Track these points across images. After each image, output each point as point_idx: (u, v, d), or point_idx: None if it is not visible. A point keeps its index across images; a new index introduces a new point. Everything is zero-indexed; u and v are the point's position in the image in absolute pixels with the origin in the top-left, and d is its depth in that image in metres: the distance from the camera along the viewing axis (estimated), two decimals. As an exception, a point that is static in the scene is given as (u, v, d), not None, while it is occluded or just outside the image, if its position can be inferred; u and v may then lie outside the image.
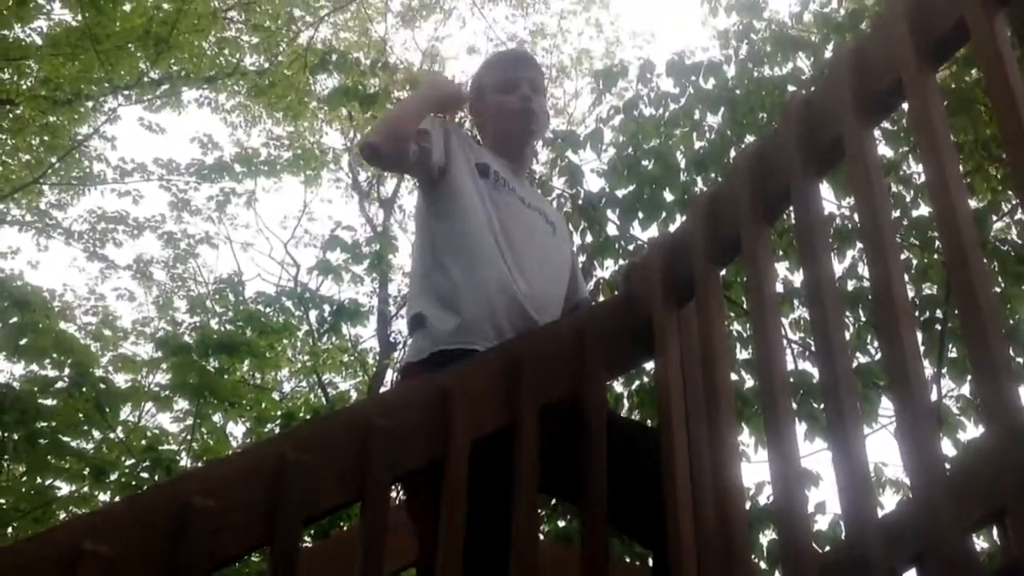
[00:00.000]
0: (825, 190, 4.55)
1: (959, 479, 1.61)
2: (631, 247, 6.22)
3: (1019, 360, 4.94)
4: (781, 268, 5.93)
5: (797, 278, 6.10)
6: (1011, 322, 5.28)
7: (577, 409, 2.23)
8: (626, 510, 2.23)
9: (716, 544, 2.02)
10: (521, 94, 2.78)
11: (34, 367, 7.45)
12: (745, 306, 5.87)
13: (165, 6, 12.39)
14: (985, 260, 1.70)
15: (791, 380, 4.21)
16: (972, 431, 5.49)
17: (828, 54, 6.63)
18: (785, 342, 5.26)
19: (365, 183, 16.51)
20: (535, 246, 2.64)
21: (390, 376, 12.94)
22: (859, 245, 5.97)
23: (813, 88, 2.38)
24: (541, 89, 2.87)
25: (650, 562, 2.48)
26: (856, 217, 5.98)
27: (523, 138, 2.84)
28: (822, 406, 5.39)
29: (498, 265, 2.51)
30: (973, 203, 5.74)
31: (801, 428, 5.05)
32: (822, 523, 5.28)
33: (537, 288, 2.53)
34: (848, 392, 1.80)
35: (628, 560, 5.09)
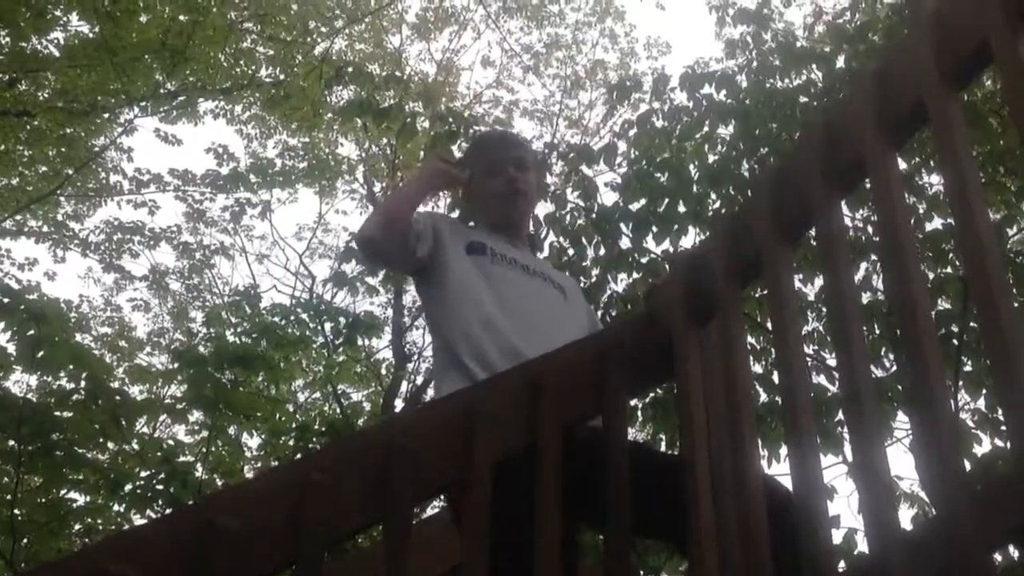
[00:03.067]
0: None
1: (982, 496, 1.62)
2: (644, 260, 6.23)
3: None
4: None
5: (809, 290, 6.10)
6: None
7: (598, 433, 2.23)
8: (652, 517, 2.23)
9: (738, 560, 2.02)
10: (508, 177, 2.84)
11: (48, 378, 7.49)
12: (758, 318, 5.87)
13: (181, 18, 12.46)
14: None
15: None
16: (987, 445, 5.49)
17: (840, 64, 6.65)
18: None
19: (380, 194, 16.55)
20: (541, 313, 2.67)
21: (404, 387, 12.96)
22: (873, 257, 5.97)
23: (834, 109, 2.38)
24: (528, 164, 2.91)
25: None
26: (870, 229, 6.02)
27: (516, 219, 2.91)
28: (834, 420, 5.42)
29: (500, 341, 2.54)
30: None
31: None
32: (835, 537, 5.28)
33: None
34: (871, 407, 1.80)
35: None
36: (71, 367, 6.80)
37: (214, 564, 1.70)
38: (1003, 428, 5.44)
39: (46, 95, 12.84)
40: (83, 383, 6.78)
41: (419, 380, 13.40)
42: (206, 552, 1.70)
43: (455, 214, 5.16)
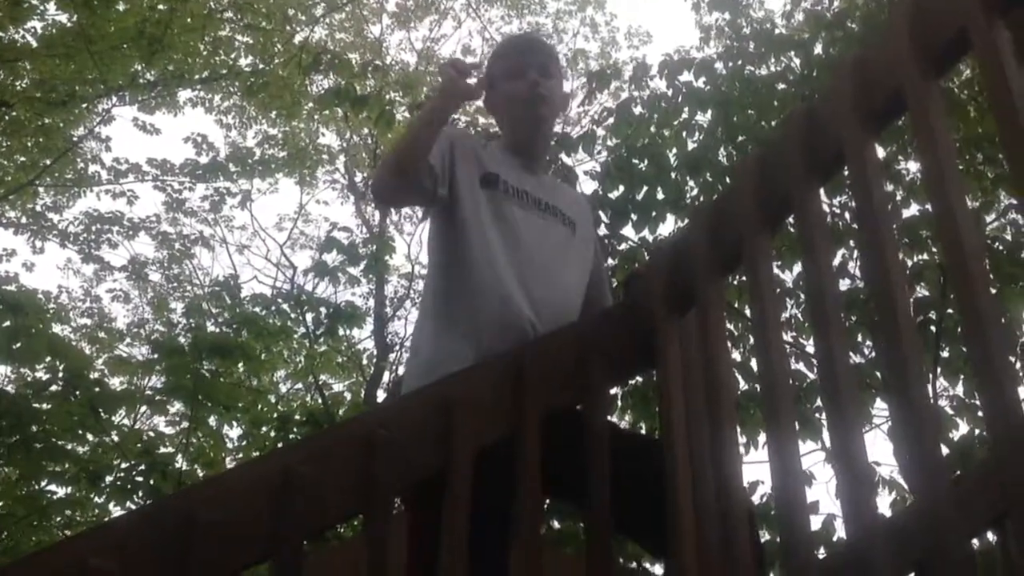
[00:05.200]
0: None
1: (961, 485, 1.63)
2: (621, 247, 6.24)
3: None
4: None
5: (788, 277, 6.13)
6: (1003, 321, 5.31)
7: (579, 419, 2.23)
8: (630, 516, 2.22)
9: (719, 550, 2.02)
10: (529, 79, 2.69)
11: (25, 370, 7.46)
12: (735, 305, 5.89)
13: (159, 6, 12.37)
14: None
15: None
16: (964, 429, 5.55)
17: (818, 51, 6.68)
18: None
19: (361, 184, 16.50)
20: (547, 259, 2.58)
21: (386, 377, 12.94)
22: (851, 243, 6.00)
23: (815, 98, 2.38)
24: (552, 72, 2.77)
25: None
26: (847, 216, 6.05)
27: (534, 124, 2.75)
28: (811, 407, 5.44)
29: (502, 295, 2.46)
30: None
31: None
32: (814, 523, 5.32)
33: (547, 313, 2.48)
34: (849, 393, 1.80)
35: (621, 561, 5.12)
36: (49, 358, 6.78)
37: (195, 556, 1.70)
38: (980, 414, 5.49)
39: (24, 85, 12.74)
40: (61, 374, 6.76)
41: (400, 370, 13.37)
42: (187, 544, 1.69)
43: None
